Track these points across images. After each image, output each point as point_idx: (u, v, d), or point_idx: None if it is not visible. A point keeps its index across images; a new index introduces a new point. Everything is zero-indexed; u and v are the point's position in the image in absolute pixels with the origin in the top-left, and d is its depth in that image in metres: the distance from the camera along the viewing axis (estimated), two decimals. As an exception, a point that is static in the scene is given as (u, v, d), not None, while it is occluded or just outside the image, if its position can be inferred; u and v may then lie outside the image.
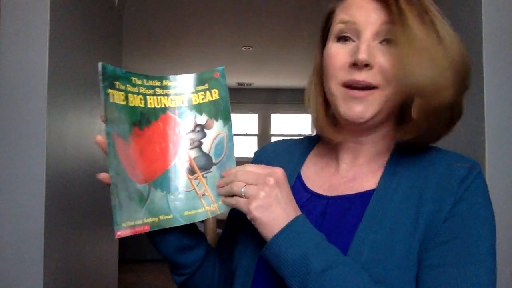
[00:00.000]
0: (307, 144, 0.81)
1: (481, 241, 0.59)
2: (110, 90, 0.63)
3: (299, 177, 0.75)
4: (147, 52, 4.92)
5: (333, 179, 0.72)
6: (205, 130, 0.70)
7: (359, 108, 0.64)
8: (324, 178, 0.73)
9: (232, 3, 3.45)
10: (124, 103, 0.65)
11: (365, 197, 0.66)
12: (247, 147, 6.99)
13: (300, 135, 6.91)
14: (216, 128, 0.69)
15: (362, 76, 0.63)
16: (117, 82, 0.64)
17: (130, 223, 0.63)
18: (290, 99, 6.86)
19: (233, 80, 6.43)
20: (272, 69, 5.69)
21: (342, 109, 0.65)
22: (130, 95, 0.66)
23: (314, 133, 0.82)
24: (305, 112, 7.31)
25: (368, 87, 0.63)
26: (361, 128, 0.68)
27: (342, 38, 0.66)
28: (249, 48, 4.73)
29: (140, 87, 0.67)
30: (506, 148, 1.35)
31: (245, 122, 7.09)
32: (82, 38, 1.70)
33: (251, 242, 0.70)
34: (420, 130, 0.64)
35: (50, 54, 1.36)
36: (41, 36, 1.35)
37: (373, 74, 0.63)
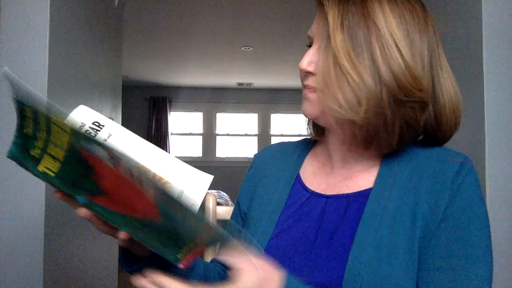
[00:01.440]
0: (306, 145, 0.83)
1: (477, 241, 0.60)
2: (39, 169, 0.56)
3: (298, 177, 0.77)
4: (147, 52, 4.92)
5: (329, 178, 0.73)
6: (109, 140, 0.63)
7: (305, 104, 0.70)
8: (321, 177, 0.75)
9: (232, 3, 3.45)
10: (56, 171, 0.56)
11: (363, 196, 0.67)
12: (247, 147, 6.99)
13: (300, 135, 6.91)
14: (106, 131, 0.64)
15: (306, 81, 0.69)
16: (30, 162, 0.57)
17: (184, 251, 0.58)
18: (290, 99, 6.87)
19: (233, 80, 6.43)
20: (272, 69, 5.69)
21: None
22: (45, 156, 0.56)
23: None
24: (305, 112, 7.29)
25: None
26: (329, 127, 0.71)
27: (308, 46, 0.71)
28: (249, 48, 4.73)
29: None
30: (506, 148, 1.35)
31: (245, 122, 7.09)
32: (82, 38, 1.70)
33: (261, 224, 0.72)
34: (366, 141, 0.65)
35: (50, 54, 1.36)
36: (41, 36, 1.35)
37: (315, 79, 0.67)
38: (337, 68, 0.62)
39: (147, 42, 4.53)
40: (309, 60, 0.68)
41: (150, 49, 4.79)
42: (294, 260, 0.66)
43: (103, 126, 0.64)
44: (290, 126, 7.09)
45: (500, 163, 1.34)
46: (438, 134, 0.69)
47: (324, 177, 0.74)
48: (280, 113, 7.08)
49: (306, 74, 0.69)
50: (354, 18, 0.62)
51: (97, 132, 0.64)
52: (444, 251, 0.59)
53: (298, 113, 6.93)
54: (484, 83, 1.36)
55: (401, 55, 0.61)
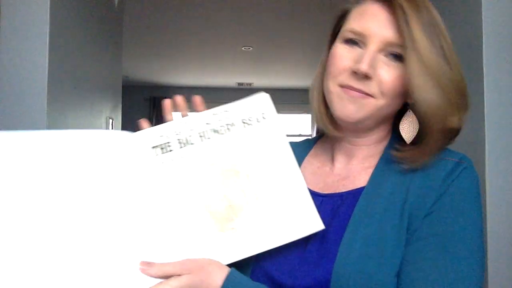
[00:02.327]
0: (306, 145, 0.83)
1: (463, 237, 0.59)
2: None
3: None
4: (147, 52, 4.92)
5: (327, 178, 0.73)
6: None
7: (351, 107, 0.65)
8: (320, 176, 0.75)
9: (232, 3, 3.45)
10: None
11: (356, 194, 0.67)
12: (247, 147, 6.99)
13: (300, 135, 6.92)
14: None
15: (359, 85, 0.64)
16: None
17: None
18: (290, 99, 6.86)
19: (233, 80, 6.43)
20: (272, 69, 5.69)
21: (336, 107, 0.67)
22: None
23: (315, 134, 0.83)
24: (305, 112, 7.30)
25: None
26: (355, 129, 0.70)
27: (350, 41, 0.67)
28: (249, 48, 4.73)
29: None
30: (506, 148, 1.35)
31: (245, 122, 7.09)
32: (82, 38, 1.70)
33: None
34: (421, 151, 0.64)
35: (50, 54, 1.36)
36: (41, 36, 1.35)
37: (371, 85, 0.64)
38: (427, 73, 0.61)
39: (147, 42, 4.53)
40: (371, 63, 0.63)
41: (150, 49, 4.79)
42: (288, 258, 0.66)
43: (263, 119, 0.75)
44: (290, 126, 7.10)
45: (500, 163, 1.35)
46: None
47: (322, 177, 0.74)
48: (280, 113, 7.04)
49: (362, 77, 0.64)
50: (430, 24, 0.63)
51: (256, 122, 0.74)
52: (423, 244, 0.59)
53: (298, 113, 6.93)
54: (484, 83, 1.36)
55: (455, 61, 0.64)
